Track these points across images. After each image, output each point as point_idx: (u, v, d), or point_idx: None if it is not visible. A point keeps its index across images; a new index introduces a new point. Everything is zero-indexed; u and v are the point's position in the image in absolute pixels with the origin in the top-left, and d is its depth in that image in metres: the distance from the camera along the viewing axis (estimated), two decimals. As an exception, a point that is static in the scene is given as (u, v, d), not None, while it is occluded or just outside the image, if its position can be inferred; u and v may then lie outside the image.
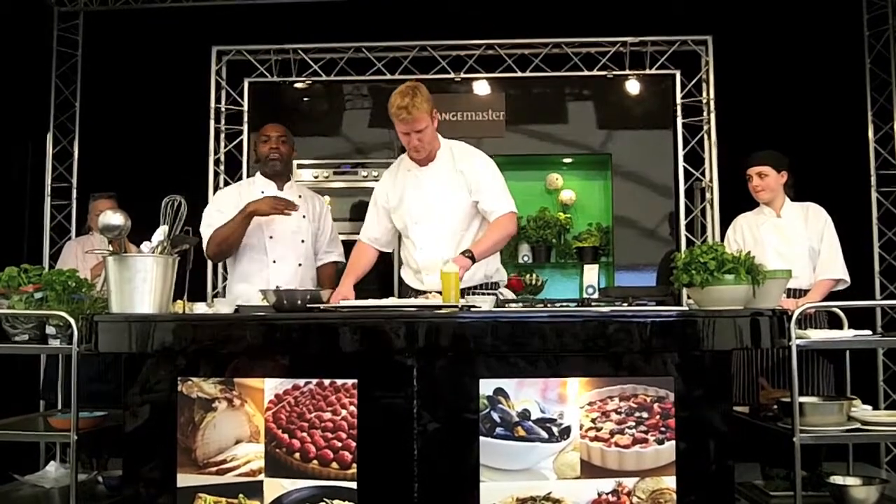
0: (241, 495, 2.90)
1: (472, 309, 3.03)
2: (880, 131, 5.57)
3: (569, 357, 2.86)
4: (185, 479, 2.93)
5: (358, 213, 5.59)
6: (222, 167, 5.72)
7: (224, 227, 3.96)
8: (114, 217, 2.98)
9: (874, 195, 5.56)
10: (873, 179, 5.56)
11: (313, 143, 5.73)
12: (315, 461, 2.87)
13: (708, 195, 5.51)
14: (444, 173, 3.75)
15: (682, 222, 5.50)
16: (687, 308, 3.29)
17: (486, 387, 2.84)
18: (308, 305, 3.11)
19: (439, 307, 3.04)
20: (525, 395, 2.84)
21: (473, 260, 3.50)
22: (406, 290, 3.89)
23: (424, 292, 3.73)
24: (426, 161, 3.78)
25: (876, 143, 5.58)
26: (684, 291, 3.83)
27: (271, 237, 4.05)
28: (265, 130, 4.18)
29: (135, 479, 3.00)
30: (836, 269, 4.17)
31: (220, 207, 4.04)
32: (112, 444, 3.79)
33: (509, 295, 3.86)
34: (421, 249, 3.76)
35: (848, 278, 4.18)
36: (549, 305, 3.36)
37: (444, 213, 3.73)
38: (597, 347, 2.81)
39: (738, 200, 4.57)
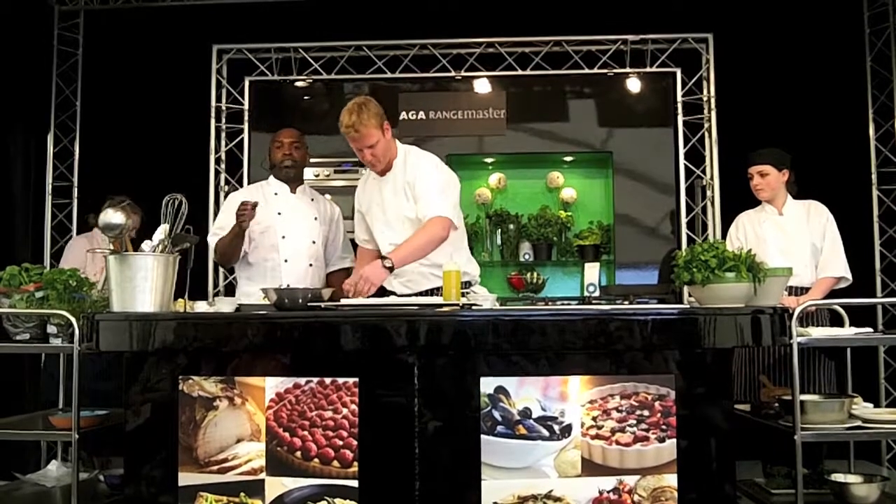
0: (242, 494, 2.90)
1: (474, 307, 3.03)
2: (881, 129, 5.56)
3: (570, 355, 2.86)
4: (186, 478, 2.94)
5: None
6: (223, 166, 5.73)
7: (222, 239, 4.03)
8: (114, 216, 2.98)
9: (875, 193, 5.55)
10: (874, 177, 5.56)
11: (314, 141, 5.66)
12: (316, 460, 2.87)
13: (709, 193, 5.52)
14: (398, 183, 3.80)
15: (683, 220, 5.50)
16: (688, 306, 3.29)
17: (487, 385, 2.84)
18: (309, 304, 3.10)
19: (440, 305, 3.04)
20: (526, 393, 2.84)
21: (391, 269, 3.46)
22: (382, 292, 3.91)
23: (393, 293, 3.79)
24: (384, 171, 3.83)
25: (877, 141, 5.57)
26: (685, 289, 3.84)
27: (284, 237, 4.09)
28: (279, 136, 4.21)
29: (136, 478, 3.00)
30: (837, 266, 4.17)
31: (229, 213, 4.05)
32: (115, 443, 3.79)
33: (482, 292, 3.83)
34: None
35: (850, 276, 4.18)
36: (550, 304, 3.36)
37: (397, 223, 3.79)
38: (598, 345, 2.82)
39: (739, 198, 4.57)
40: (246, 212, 3.83)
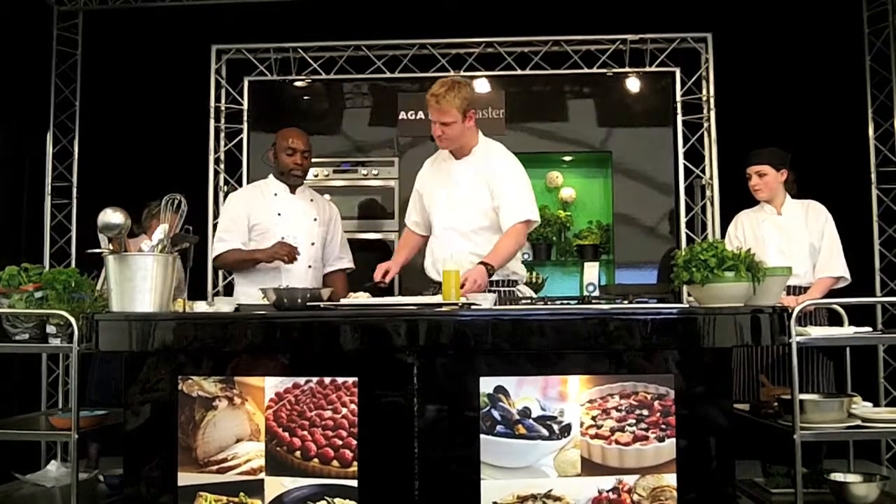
0: (241, 494, 2.90)
1: (473, 307, 3.03)
2: (880, 128, 5.55)
3: (569, 355, 2.86)
4: (185, 478, 2.94)
5: (359, 211, 5.60)
6: (222, 166, 5.72)
7: (233, 257, 4.09)
8: (113, 216, 2.98)
9: (874, 192, 5.54)
10: (874, 176, 5.55)
11: (313, 141, 5.66)
12: (316, 459, 2.87)
13: (708, 192, 5.51)
14: (473, 171, 3.83)
15: (683, 220, 5.49)
16: (687, 305, 3.29)
17: (487, 385, 2.84)
18: (308, 304, 3.10)
19: (440, 305, 3.04)
20: (525, 392, 2.84)
21: (491, 272, 3.57)
22: (427, 281, 3.94)
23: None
24: (461, 155, 3.86)
25: (876, 141, 5.56)
26: (685, 289, 3.85)
27: (283, 238, 4.10)
28: (290, 141, 4.17)
29: (136, 478, 3.00)
30: (836, 266, 4.17)
31: (233, 217, 4.07)
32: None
33: (527, 292, 3.88)
34: (437, 238, 3.86)
35: (848, 276, 4.19)
36: (549, 303, 3.36)
37: (464, 208, 3.81)
38: (597, 345, 2.81)
39: (738, 198, 4.57)
40: (285, 254, 3.94)
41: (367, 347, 2.83)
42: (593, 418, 2.84)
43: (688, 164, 5.53)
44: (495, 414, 2.83)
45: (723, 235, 4.77)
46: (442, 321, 2.81)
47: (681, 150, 5.53)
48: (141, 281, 2.98)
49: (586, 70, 5.61)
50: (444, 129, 3.72)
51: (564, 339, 2.80)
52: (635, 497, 2.82)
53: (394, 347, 2.82)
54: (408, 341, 2.80)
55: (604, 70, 5.61)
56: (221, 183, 5.69)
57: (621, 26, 5.56)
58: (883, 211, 5.54)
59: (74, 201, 5.81)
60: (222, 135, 5.74)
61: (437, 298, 3.23)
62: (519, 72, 5.65)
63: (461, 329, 2.80)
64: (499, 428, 2.83)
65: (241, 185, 5.49)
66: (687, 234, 5.48)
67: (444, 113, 3.68)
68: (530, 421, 2.83)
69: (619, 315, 2.83)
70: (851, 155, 5.56)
